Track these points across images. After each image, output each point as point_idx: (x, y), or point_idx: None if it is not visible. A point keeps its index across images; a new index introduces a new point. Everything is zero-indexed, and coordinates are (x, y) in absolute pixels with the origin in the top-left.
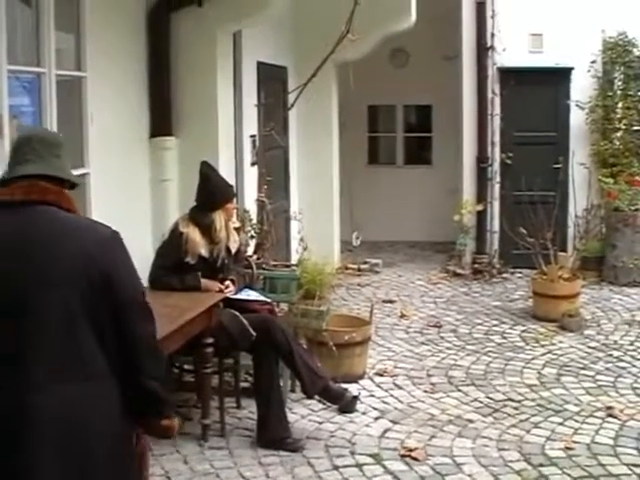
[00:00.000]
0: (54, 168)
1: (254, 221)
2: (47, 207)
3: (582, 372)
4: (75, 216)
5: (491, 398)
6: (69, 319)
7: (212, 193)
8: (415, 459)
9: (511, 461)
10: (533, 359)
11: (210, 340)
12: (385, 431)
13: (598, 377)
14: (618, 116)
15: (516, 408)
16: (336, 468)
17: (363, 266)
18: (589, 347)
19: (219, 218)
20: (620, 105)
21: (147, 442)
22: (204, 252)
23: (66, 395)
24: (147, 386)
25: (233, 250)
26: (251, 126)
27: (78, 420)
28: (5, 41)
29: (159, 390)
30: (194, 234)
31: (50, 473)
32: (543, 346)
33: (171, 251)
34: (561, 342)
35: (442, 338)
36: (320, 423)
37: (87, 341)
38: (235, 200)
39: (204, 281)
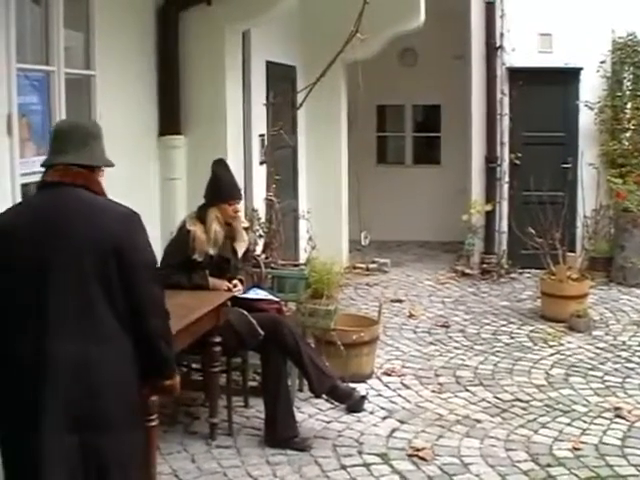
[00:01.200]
0: (85, 157)
1: (262, 220)
2: (77, 189)
3: (590, 373)
4: (99, 197)
5: (499, 398)
6: (84, 281)
7: (216, 189)
8: (423, 459)
9: (519, 461)
10: (541, 359)
11: (218, 339)
12: (393, 431)
13: (606, 378)
14: (627, 116)
15: (524, 408)
16: (344, 467)
17: (371, 265)
18: (597, 348)
19: (214, 216)
20: (629, 105)
21: (155, 438)
22: (211, 250)
23: (77, 346)
24: (153, 343)
25: (241, 250)
26: (260, 125)
27: (87, 367)
28: (14, 39)
29: (164, 349)
30: (201, 232)
31: (58, 409)
32: (551, 346)
33: (179, 249)
34: (569, 342)
35: (450, 338)
36: (328, 422)
37: (98, 302)
38: (239, 202)
39: (212, 280)
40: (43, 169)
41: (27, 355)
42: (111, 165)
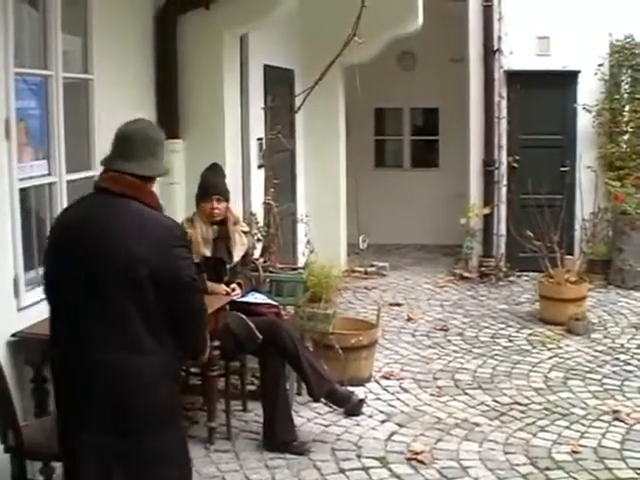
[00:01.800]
0: (142, 167)
1: (261, 224)
2: (126, 199)
3: (589, 376)
4: (146, 210)
5: (498, 401)
6: (118, 295)
7: (197, 191)
8: (421, 462)
9: (517, 465)
10: (540, 362)
11: (217, 343)
12: (391, 434)
13: (605, 381)
14: (625, 119)
15: (523, 412)
16: (342, 471)
17: (370, 269)
18: (596, 351)
19: (198, 216)
20: (627, 108)
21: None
22: (206, 251)
23: (116, 359)
24: (192, 343)
25: (238, 253)
26: (258, 129)
27: (122, 376)
28: (12, 44)
29: (202, 345)
30: (196, 234)
31: (92, 413)
32: (550, 349)
33: None
34: (568, 345)
35: (449, 341)
36: (326, 426)
37: (133, 318)
38: (217, 199)
39: (210, 284)
40: (43, 178)
41: (70, 359)
42: (165, 174)
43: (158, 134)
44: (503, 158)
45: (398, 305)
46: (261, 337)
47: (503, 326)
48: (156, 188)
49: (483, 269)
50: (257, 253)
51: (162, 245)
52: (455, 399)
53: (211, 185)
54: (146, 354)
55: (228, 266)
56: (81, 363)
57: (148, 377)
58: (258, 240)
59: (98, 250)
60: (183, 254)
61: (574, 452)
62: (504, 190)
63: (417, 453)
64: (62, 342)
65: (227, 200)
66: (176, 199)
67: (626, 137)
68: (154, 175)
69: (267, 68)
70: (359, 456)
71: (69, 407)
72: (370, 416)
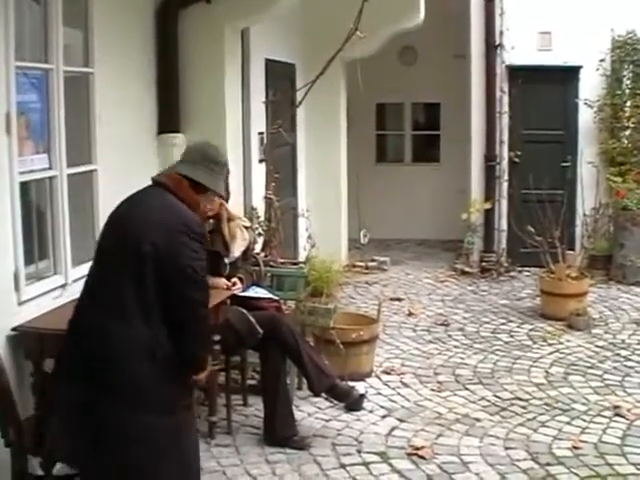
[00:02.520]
0: (191, 171)
1: (262, 218)
2: (163, 190)
3: (590, 371)
4: (174, 201)
5: (498, 397)
6: (120, 275)
7: None
8: (422, 457)
9: (518, 460)
10: (540, 358)
11: (217, 337)
12: (392, 429)
13: (606, 376)
14: (627, 114)
15: (523, 407)
16: (343, 466)
17: (371, 264)
18: (597, 346)
19: None
20: (629, 104)
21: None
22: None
23: (104, 322)
24: (189, 346)
25: (239, 249)
26: (259, 123)
27: (105, 339)
28: (13, 37)
29: (198, 353)
30: None
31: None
32: (551, 345)
33: None
34: (569, 341)
35: (449, 336)
36: (327, 421)
37: (128, 293)
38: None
39: (211, 278)
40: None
41: (74, 316)
42: (217, 194)
43: (219, 156)
44: (504, 153)
45: (399, 300)
46: (262, 332)
47: (504, 321)
48: None
49: (484, 264)
50: (258, 248)
51: (172, 231)
52: (456, 394)
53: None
54: (133, 327)
55: (226, 260)
56: (78, 320)
57: (131, 349)
58: (259, 234)
59: (121, 227)
60: (191, 246)
61: (575, 448)
62: (505, 185)
63: (418, 448)
64: (77, 302)
65: (220, 197)
66: None
67: (627, 132)
68: (200, 182)
69: (268, 62)
70: (360, 451)
71: (62, 358)
72: (371, 411)
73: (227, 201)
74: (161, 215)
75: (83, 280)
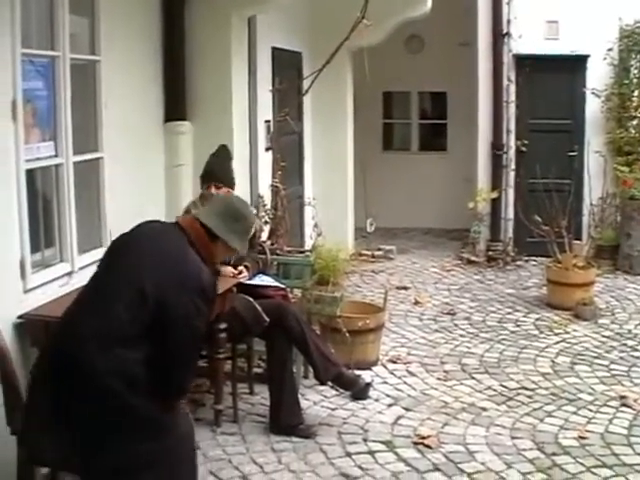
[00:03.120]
0: (212, 221)
1: (268, 207)
2: (180, 233)
3: (596, 361)
4: (192, 255)
5: (505, 386)
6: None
7: (202, 172)
8: (428, 446)
9: (524, 450)
10: (547, 347)
11: (223, 325)
12: (398, 418)
13: (612, 366)
14: (634, 104)
15: (530, 396)
16: (349, 455)
17: (377, 253)
18: (603, 336)
19: (198, 201)
20: (636, 93)
21: None
22: None
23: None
24: (176, 381)
25: None
26: (266, 111)
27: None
28: (19, 25)
29: (186, 385)
30: None
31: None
32: (557, 334)
33: None
34: (575, 331)
35: (456, 325)
36: (333, 409)
37: (123, 324)
38: (215, 186)
39: (217, 266)
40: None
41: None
42: (236, 250)
43: (241, 213)
44: (511, 142)
45: (405, 289)
46: (268, 320)
47: (510, 310)
48: (162, 170)
49: (490, 253)
50: (264, 236)
51: (186, 288)
52: (462, 383)
53: (211, 172)
54: (113, 355)
55: None
56: (60, 338)
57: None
58: (265, 223)
59: (131, 255)
60: (201, 306)
61: (581, 437)
62: (512, 174)
63: (424, 437)
64: (65, 313)
65: (229, 186)
66: (182, 180)
67: (635, 122)
68: (217, 234)
69: (275, 50)
70: (365, 440)
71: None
72: (377, 400)
73: (230, 186)
74: (176, 265)
75: (89, 267)
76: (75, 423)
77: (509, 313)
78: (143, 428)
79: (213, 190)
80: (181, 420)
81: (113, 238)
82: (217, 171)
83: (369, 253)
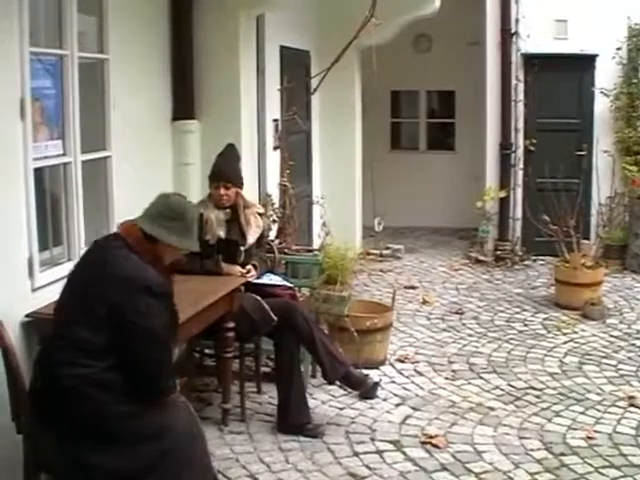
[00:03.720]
0: (152, 228)
1: (276, 205)
2: (120, 243)
3: (604, 361)
4: (134, 260)
5: (512, 386)
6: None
7: (210, 172)
8: (436, 446)
9: (532, 450)
10: (555, 347)
11: (231, 324)
12: (406, 418)
13: (620, 366)
14: None
15: (538, 396)
16: (356, 454)
17: (385, 252)
18: (611, 336)
19: (208, 198)
20: None
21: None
22: (222, 233)
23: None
24: (152, 386)
25: (254, 235)
26: (274, 110)
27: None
28: (28, 23)
29: (164, 386)
30: (213, 215)
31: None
32: (565, 334)
33: None
34: (583, 330)
35: (464, 325)
36: (341, 409)
37: (81, 335)
38: (225, 185)
39: (225, 265)
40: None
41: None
42: (175, 246)
43: (175, 212)
44: (520, 141)
45: (413, 288)
46: (276, 319)
47: (518, 310)
48: (170, 169)
49: (498, 253)
50: (272, 235)
51: (133, 292)
52: (470, 383)
53: (220, 171)
54: (85, 365)
55: (242, 248)
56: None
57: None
58: (274, 222)
59: (85, 273)
60: (151, 306)
61: (589, 438)
62: (520, 173)
63: (431, 437)
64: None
65: (237, 185)
66: (190, 180)
67: None
68: (154, 236)
69: (283, 49)
70: (373, 439)
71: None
72: (384, 399)
73: (239, 186)
74: (118, 271)
75: None
76: (67, 436)
77: (517, 313)
78: (134, 433)
79: (222, 190)
80: (178, 420)
81: None
82: (226, 171)
83: (377, 252)
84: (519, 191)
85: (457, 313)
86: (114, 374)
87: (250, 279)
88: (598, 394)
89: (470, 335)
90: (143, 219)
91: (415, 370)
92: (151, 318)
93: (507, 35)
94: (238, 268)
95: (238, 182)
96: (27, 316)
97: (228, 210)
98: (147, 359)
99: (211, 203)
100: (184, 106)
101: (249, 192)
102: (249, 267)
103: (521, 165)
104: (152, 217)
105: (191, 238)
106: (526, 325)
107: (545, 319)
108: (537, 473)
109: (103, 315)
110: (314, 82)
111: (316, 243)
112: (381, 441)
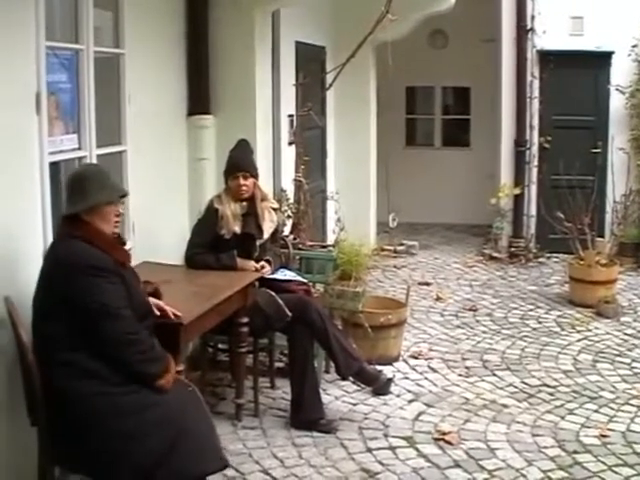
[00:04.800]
0: (67, 208)
1: (291, 201)
2: (61, 235)
3: (618, 359)
4: (62, 243)
5: (526, 383)
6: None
7: (225, 167)
8: (449, 443)
9: (545, 447)
10: (569, 345)
11: (245, 320)
12: (419, 414)
13: (634, 364)
14: None
15: (551, 394)
16: (369, 450)
17: (399, 248)
18: (625, 334)
19: (225, 192)
20: None
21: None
22: (237, 228)
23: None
24: (137, 369)
25: (268, 229)
26: (289, 106)
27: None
28: (44, 17)
29: (147, 370)
30: (228, 210)
31: None
32: (579, 332)
33: (207, 228)
34: (597, 328)
35: (477, 322)
36: (354, 405)
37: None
38: (244, 176)
39: (240, 260)
40: (74, 152)
41: None
42: (113, 199)
43: (78, 177)
44: (535, 138)
45: (427, 284)
46: (290, 314)
47: (532, 307)
48: (186, 163)
49: (513, 250)
50: (287, 230)
51: (70, 274)
52: (483, 380)
53: (238, 162)
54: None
55: (258, 242)
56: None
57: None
58: (288, 217)
59: (43, 270)
60: (90, 281)
61: (602, 436)
62: (535, 171)
63: (444, 433)
64: None
65: (255, 176)
66: (206, 175)
67: None
68: (77, 212)
69: (299, 45)
70: (386, 435)
71: None
72: (398, 395)
73: (256, 177)
74: (60, 260)
75: None
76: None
77: (531, 310)
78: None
79: (241, 180)
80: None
81: (136, 231)
82: (243, 161)
83: (391, 248)
84: (533, 188)
85: (471, 310)
86: (95, 362)
87: (264, 274)
88: (612, 392)
89: (484, 332)
90: (65, 210)
91: (429, 366)
92: (100, 295)
93: (523, 32)
94: (252, 263)
95: (255, 172)
96: None
97: (245, 203)
98: (114, 339)
99: (228, 197)
100: (199, 101)
101: (264, 187)
102: (263, 263)
103: (536, 162)
104: (67, 202)
105: (107, 187)
106: (540, 322)
107: (559, 316)
108: (550, 471)
109: (62, 305)
110: (329, 78)
111: (330, 239)
112: (394, 437)
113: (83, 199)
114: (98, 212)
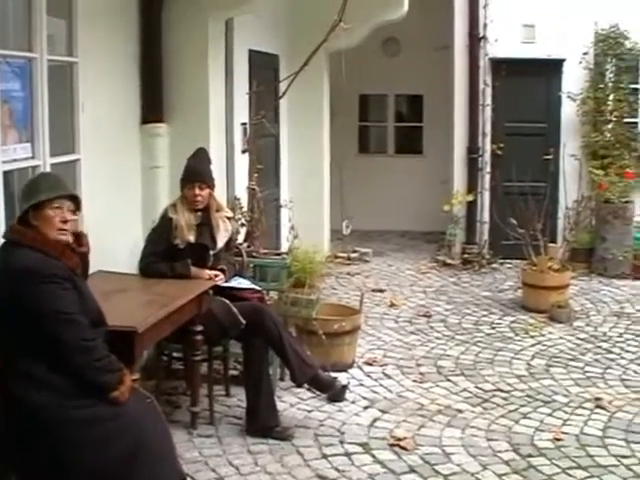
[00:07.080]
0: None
1: (244, 209)
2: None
3: (571, 363)
4: (12, 252)
5: (480, 388)
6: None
7: (181, 176)
8: (404, 448)
9: (500, 451)
10: (522, 350)
11: (200, 328)
12: (374, 420)
13: (587, 368)
14: (609, 108)
15: (505, 398)
16: (325, 457)
17: (353, 255)
18: (578, 338)
19: (180, 202)
20: (611, 97)
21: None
22: (192, 238)
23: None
24: (90, 377)
25: (222, 239)
26: (242, 114)
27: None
28: None
29: (100, 379)
30: (182, 219)
31: None
32: (532, 337)
33: (161, 237)
34: (550, 333)
35: (431, 328)
36: (309, 412)
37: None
38: (199, 186)
39: (194, 269)
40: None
41: None
42: (57, 195)
43: (31, 181)
44: (487, 145)
45: (381, 291)
46: (244, 322)
47: (486, 313)
48: (139, 172)
49: (466, 256)
50: (241, 238)
51: (21, 283)
52: (438, 385)
53: (195, 171)
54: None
55: (211, 252)
56: None
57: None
58: (242, 225)
59: None
60: (42, 289)
61: (556, 439)
62: (488, 177)
63: (400, 439)
64: None
65: (210, 187)
66: (159, 183)
67: (610, 126)
68: (26, 216)
69: (252, 53)
70: (342, 442)
71: None
72: (353, 402)
73: (212, 188)
74: (9, 269)
75: None
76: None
77: (485, 316)
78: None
79: (196, 190)
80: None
81: (90, 240)
82: (200, 171)
83: (345, 255)
84: (486, 195)
85: (425, 316)
86: (56, 375)
87: (218, 283)
88: (565, 396)
89: (438, 338)
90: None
91: (383, 373)
92: (48, 302)
93: (475, 39)
94: (207, 272)
95: (211, 183)
96: None
97: (199, 213)
98: (69, 345)
99: (183, 206)
100: (153, 109)
101: (218, 195)
102: (216, 272)
103: (488, 169)
104: (20, 208)
105: (54, 187)
106: (493, 328)
107: (512, 322)
108: (505, 474)
109: (13, 315)
110: (283, 86)
111: (284, 246)
112: (350, 443)
113: (30, 199)
114: (44, 216)
